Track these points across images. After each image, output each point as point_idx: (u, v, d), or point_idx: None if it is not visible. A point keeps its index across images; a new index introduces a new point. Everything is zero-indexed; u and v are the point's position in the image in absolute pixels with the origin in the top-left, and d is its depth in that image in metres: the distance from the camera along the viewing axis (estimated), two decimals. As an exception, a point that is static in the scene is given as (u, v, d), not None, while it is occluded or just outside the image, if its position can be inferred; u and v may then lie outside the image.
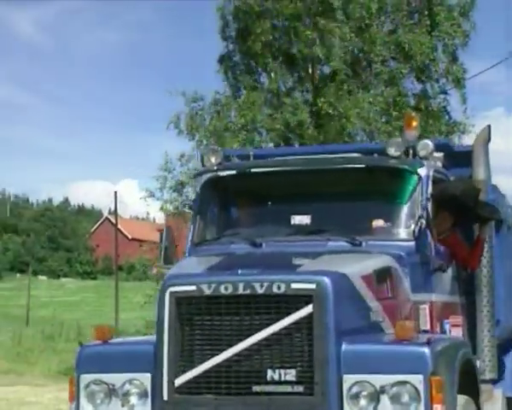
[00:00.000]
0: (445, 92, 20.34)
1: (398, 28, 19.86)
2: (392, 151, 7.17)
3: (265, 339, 5.74)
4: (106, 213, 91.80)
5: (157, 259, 7.73)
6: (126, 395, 6.14)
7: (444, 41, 19.81)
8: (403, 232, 7.02)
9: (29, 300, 42.39)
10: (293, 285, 5.77)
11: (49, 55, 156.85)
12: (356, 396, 5.64)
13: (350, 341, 5.75)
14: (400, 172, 7.21)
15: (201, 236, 7.55)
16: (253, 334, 5.75)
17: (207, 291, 5.89)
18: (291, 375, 5.70)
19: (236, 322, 5.81)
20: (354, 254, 6.65)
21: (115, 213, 38.29)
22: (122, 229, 70.31)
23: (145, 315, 23.39)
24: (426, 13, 19.70)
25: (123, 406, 6.13)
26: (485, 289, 7.71)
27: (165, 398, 5.90)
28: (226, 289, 5.85)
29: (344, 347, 5.71)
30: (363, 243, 6.79)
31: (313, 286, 5.75)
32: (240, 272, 5.96)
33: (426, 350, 5.62)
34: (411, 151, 7.32)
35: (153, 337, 6.19)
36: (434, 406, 5.54)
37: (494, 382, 7.79)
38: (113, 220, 44.40)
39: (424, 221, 6.93)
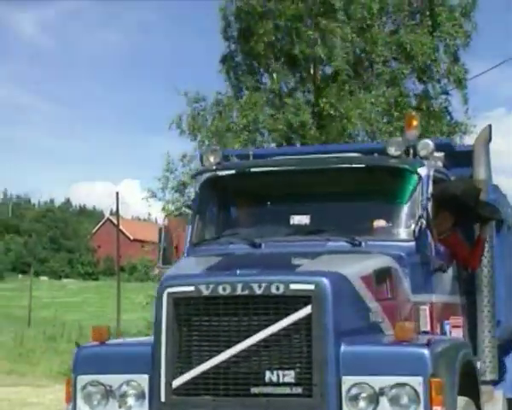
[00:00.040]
0: (446, 93, 20.34)
1: (399, 29, 19.88)
2: (392, 151, 7.13)
3: (264, 340, 5.70)
4: (107, 214, 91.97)
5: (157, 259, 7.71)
6: (123, 396, 6.10)
7: (445, 41, 19.82)
8: (403, 232, 6.98)
9: (31, 300, 42.48)
10: (292, 286, 5.73)
11: (51, 56, 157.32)
12: (355, 398, 5.60)
13: (349, 342, 5.71)
14: (400, 171, 7.16)
15: (200, 236, 7.51)
16: (251, 335, 5.71)
17: (205, 292, 5.85)
18: (290, 376, 5.66)
19: (235, 323, 5.77)
20: (354, 254, 6.61)
21: (117, 213, 38.20)
22: (124, 230, 70.37)
23: (147, 316, 23.31)
24: (427, 13, 19.72)
25: (120, 407, 6.10)
26: (485, 289, 7.68)
27: (163, 399, 5.87)
28: (224, 289, 5.81)
29: (343, 348, 5.67)
30: (363, 244, 6.75)
31: (312, 287, 5.70)
32: (238, 272, 5.91)
33: (425, 352, 5.57)
34: (412, 151, 7.29)
35: (150, 338, 6.16)
36: (434, 408, 5.49)
37: (495, 383, 7.76)
38: (115, 221, 44.49)
39: (424, 221, 6.89)
